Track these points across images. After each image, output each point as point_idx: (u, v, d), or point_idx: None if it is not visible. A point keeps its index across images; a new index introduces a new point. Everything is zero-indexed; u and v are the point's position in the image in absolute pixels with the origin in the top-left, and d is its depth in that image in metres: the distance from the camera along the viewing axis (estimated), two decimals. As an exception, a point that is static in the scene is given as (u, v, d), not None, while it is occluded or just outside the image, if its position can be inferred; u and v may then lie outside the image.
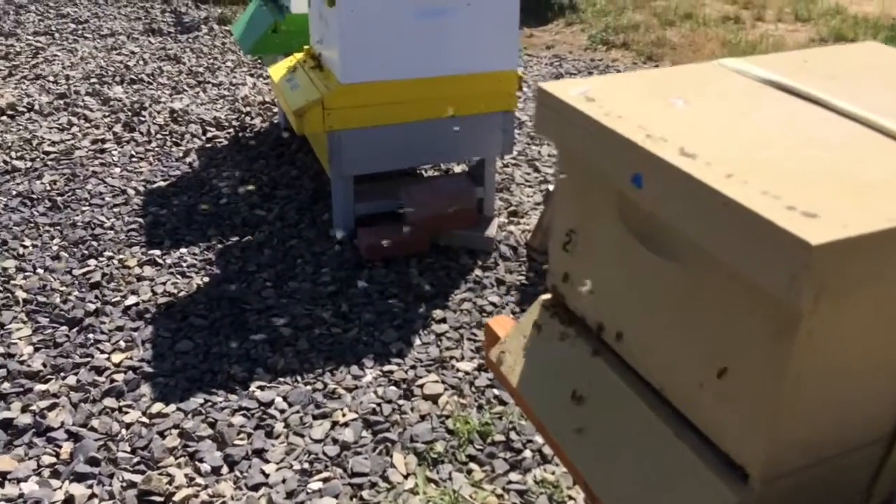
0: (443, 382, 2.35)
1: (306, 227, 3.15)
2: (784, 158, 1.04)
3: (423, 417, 2.22)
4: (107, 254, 2.97)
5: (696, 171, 1.01)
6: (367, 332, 2.56)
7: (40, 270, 2.87)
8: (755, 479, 1.08)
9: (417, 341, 2.53)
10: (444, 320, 2.63)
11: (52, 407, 2.23)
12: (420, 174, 3.54)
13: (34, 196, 3.34)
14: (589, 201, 1.31)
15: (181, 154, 3.76)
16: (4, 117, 4.08)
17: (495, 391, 2.33)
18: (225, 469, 2.05)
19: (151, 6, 6.08)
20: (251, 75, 4.75)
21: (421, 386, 2.34)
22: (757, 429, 1.06)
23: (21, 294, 2.73)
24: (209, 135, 3.95)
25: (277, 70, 3.14)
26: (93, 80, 4.54)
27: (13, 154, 3.70)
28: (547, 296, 1.50)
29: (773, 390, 1.02)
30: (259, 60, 4.89)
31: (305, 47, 3.15)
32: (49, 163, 3.64)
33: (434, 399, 2.29)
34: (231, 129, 4.02)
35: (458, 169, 3.57)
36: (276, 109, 4.19)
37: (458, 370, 2.41)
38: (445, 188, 3.01)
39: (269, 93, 4.46)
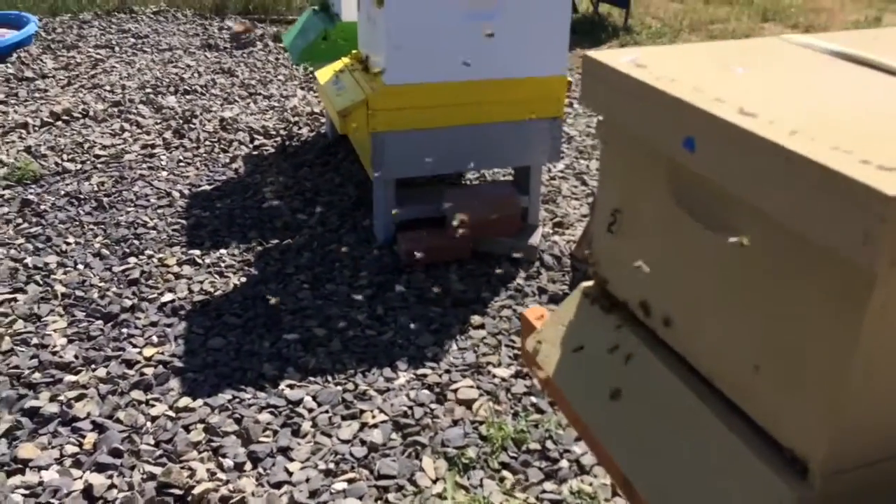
0: (478, 388, 2.25)
1: (347, 232, 3.10)
2: (855, 119, 0.94)
3: (455, 422, 2.12)
4: (147, 252, 2.96)
5: (756, 128, 0.91)
6: (402, 336, 2.48)
7: (81, 266, 2.87)
8: (816, 473, 0.96)
9: (454, 346, 2.44)
10: (482, 326, 2.53)
11: (79, 397, 2.20)
12: (464, 182, 3.48)
13: (81, 196, 3.37)
14: (636, 177, 1.21)
15: (228, 160, 3.77)
16: (60, 122, 4.16)
17: (532, 399, 2.22)
18: (248, 465, 1.97)
19: (210, 23, 6.21)
20: (302, 88, 4.78)
21: (455, 390, 2.24)
22: (819, 416, 0.94)
23: (60, 288, 2.73)
24: (256, 142, 3.96)
25: (324, 73, 3.12)
26: (147, 90, 4.62)
27: (65, 157, 3.75)
28: (588, 283, 1.40)
29: (839, 372, 0.91)
30: (310, 73, 4.92)
31: (353, 51, 3.13)
32: (99, 165, 3.68)
33: (468, 404, 2.19)
34: (278, 138, 4.02)
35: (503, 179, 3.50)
36: (323, 120, 4.19)
37: (494, 376, 2.30)
38: (489, 194, 2.93)
39: (318, 104, 4.46)
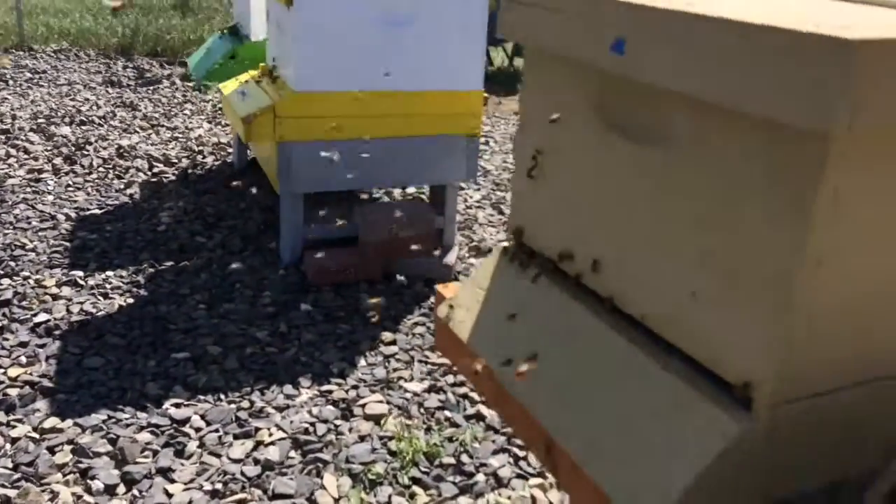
0: (388, 402, 2.06)
1: (250, 254, 2.89)
2: (790, 8, 0.85)
3: (362, 438, 1.92)
4: (23, 274, 2.67)
5: (696, 9, 0.82)
6: (306, 353, 2.27)
7: (-56, 287, 2.55)
8: (761, 402, 0.83)
9: (362, 362, 2.24)
10: (393, 342, 2.35)
11: (-75, 420, 1.89)
12: (377, 199, 3.34)
13: (-47, 218, 3.05)
14: (560, 108, 1.10)
15: (123, 186, 3.51)
16: (-63, 147, 3.82)
17: (447, 413, 2.04)
18: (121, 488, 1.71)
19: (114, 62, 5.96)
20: (209, 121, 4.58)
21: (363, 406, 2.04)
22: (764, 336, 0.82)
23: (-83, 309, 2.41)
24: (156, 170, 3.72)
25: (229, 86, 2.96)
26: (40, 120, 4.33)
27: (-61, 179, 3.42)
28: (505, 243, 1.27)
29: (785, 281, 0.79)
30: (218, 107, 4.74)
31: (262, 65, 2.99)
32: (-23, 189, 3.36)
33: (376, 419, 1.99)
34: (181, 166, 3.79)
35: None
36: (230, 150, 4.00)
37: (405, 391, 2.12)
38: (400, 211, 2.79)
39: (225, 135, 4.27)
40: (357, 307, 2.54)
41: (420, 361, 2.27)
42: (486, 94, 2.81)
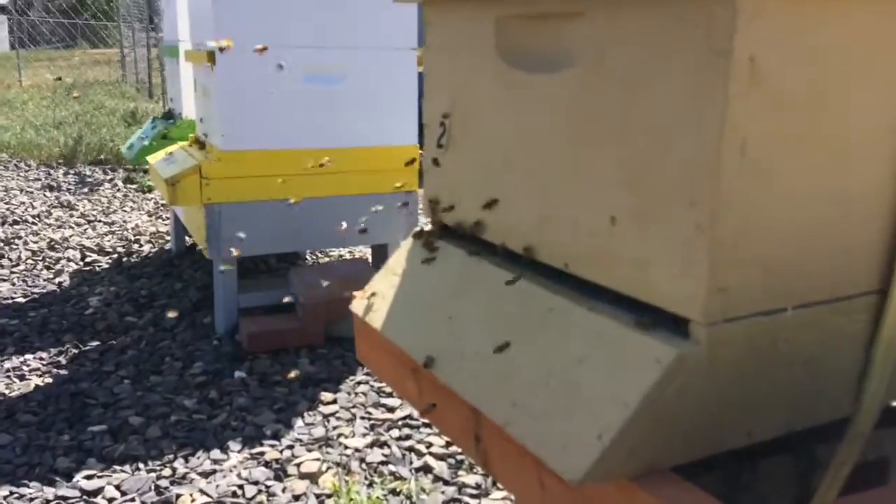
0: (325, 460, 1.88)
1: (183, 329, 2.73)
2: None
3: (296, 498, 1.73)
4: (-68, 362, 2.46)
5: None
6: (237, 417, 2.09)
7: None
8: (698, 322, 0.72)
9: (299, 423, 2.07)
10: (334, 401, 2.18)
11: None
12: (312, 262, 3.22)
13: None
14: (461, 61, 1.03)
15: (52, 276, 3.35)
16: None
17: (391, 466, 1.86)
18: (13, 568, 1.49)
19: (55, 170, 5.88)
20: (150, 215, 4.47)
21: (298, 465, 1.85)
22: (692, 243, 0.71)
23: None
24: (88, 259, 3.57)
25: (157, 156, 2.88)
26: (-30, 222, 4.18)
27: None
28: (417, 228, 1.17)
29: (708, 174, 0.70)
30: (162, 205, 4.66)
31: (190, 135, 2.92)
32: None
33: (313, 478, 1.80)
34: (115, 255, 3.65)
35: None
36: (169, 238, 3.87)
37: (346, 447, 1.94)
38: (340, 271, 2.68)
39: (164, 223, 4.16)
40: (297, 372, 2.37)
41: (363, 418, 2.10)
42: (420, 150, 2.77)
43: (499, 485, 1.75)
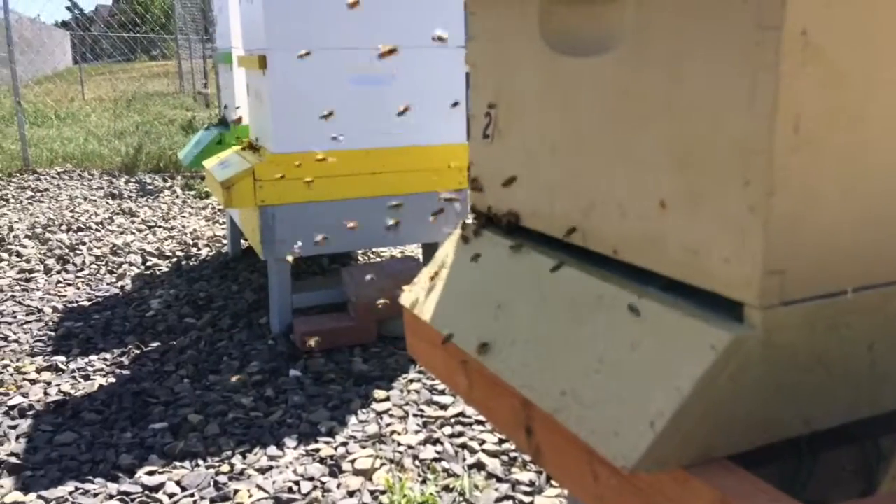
0: (379, 457, 1.89)
1: (240, 330, 2.78)
2: None
3: (351, 493, 1.74)
4: (3, 363, 2.56)
5: None
6: (293, 415, 2.12)
7: (-81, 380, 2.45)
8: (753, 306, 0.70)
9: (353, 420, 2.08)
10: (387, 399, 2.20)
11: None
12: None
13: (-62, 318, 2.98)
14: (505, 49, 1.02)
15: (114, 279, 3.45)
16: (-69, 258, 3.81)
17: (444, 463, 1.86)
18: (80, 559, 1.54)
19: (117, 179, 6.06)
20: (207, 220, 4.58)
21: (352, 461, 1.87)
22: (745, 225, 0.69)
23: None
24: (149, 263, 3.68)
25: (212, 160, 2.94)
26: (37, 229, 4.34)
27: (-71, 286, 3.38)
28: (466, 220, 1.17)
29: (761, 154, 0.67)
30: (218, 209, 4.76)
31: (244, 139, 2.98)
32: (-34, 292, 3.31)
33: (367, 474, 1.82)
34: (174, 259, 3.75)
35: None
36: (225, 241, 3.96)
37: (399, 444, 1.95)
38: (391, 270, 2.69)
39: (221, 227, 4.25)
40: (350, 370, 2.40)
41: (415, 415, 2.11)
42: (470, 148, 2.77)
43: (552, 482, 1.74)
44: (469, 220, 1.13)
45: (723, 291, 0.73)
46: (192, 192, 5.51)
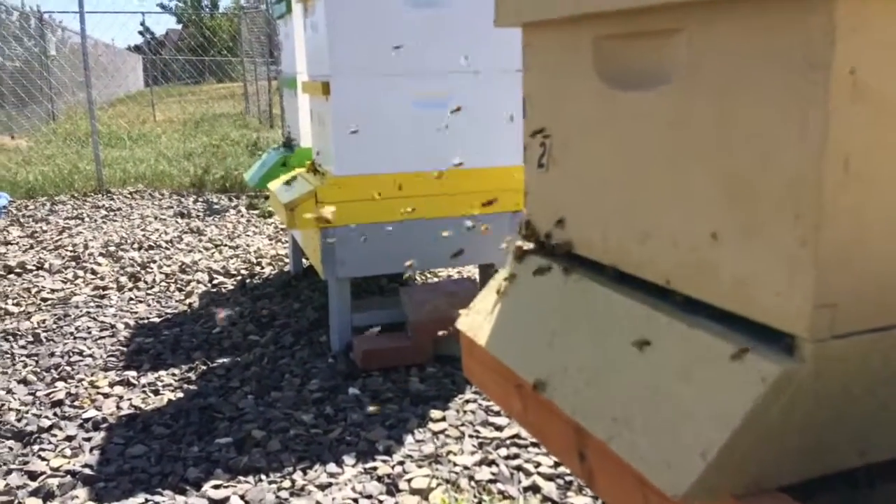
0: (435, 477, 1.91)
1: (301, 348, 2.85)
2: None
3: (408, 512, 1.77)
4: (78, 377, 2.69)
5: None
6: (351, 433, 2.16)
7: (1, 392, 2.58)
8: (805, 339, 0.70)
9: (410, 439, 2.12)
10: (443, 419, 2.23)
11: (-37, 510, 1.85)
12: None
13: (18, 333, 3.14)
14: (560, 81, 1.05)
15: (183, 297, 3.58)
16: (11, 275, 4.01)
17: (500, 485, 1.88)
18: (149, 568, 1.60)
19: (185, 198, 6.28)
20: (270, 238, 4.71)
21: (409, 480, 1.90)
22: (798, 263, 0.70)
23: (-27, 413, 2.43)
24: (216, 281, 3.80)
25: (276, 182, 3.04)
26: (110, 247, 4.53)
27: (10, 302, 3.56)
28: (520, 243, 1.19)
29: (812, 189, 0.69)
30: (281, 229, 4.89)
31: (307, 162, 3.07)
32: (44, 307, 3.48)
33: (423, 494, 1.85)
34: (239, 277, 3.86)
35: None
36: (287, 260, 4.06)
37: (455, 464, 1.97)
38: (448, 290, 2.73)
39: (283, 247, 4.36)
40: (407, 390, 2.44)
41: (471, 436, 2.13)
42: (527, 170, 2.79)
43: (609, 506, 1.73)
44: (525, 246, 1.15)
45: (773, 323, 0.74)
46: (255, 212, 5.67)
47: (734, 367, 0.74)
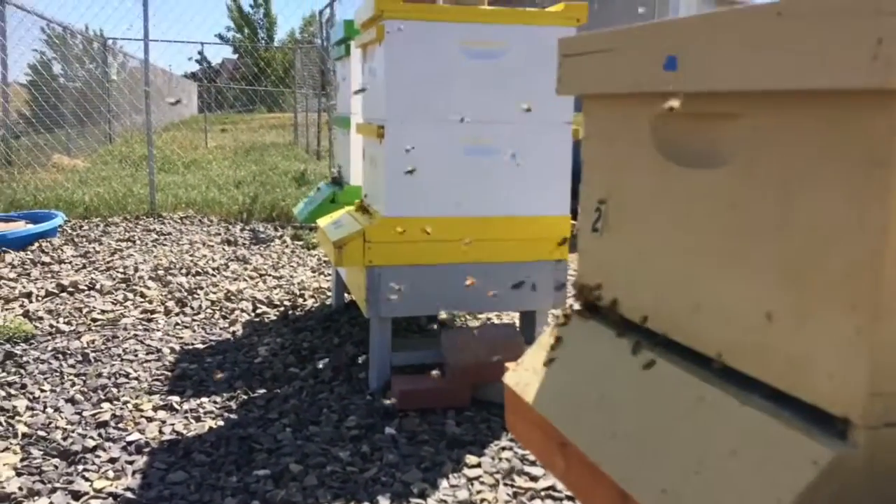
0: (470, 524, 1.92)
1: (340, 383, 2.89)
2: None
3: (441, 558, 1.78)
4: (123, 399, 2.75)
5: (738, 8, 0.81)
6: (387, 473, 2.18)
7: (50, 410, 2.66)
8: (857, 425, 0.72)
9: (444, 483, 2.13)
10: (478, 465, 2.23)
11: (9, 526, 1.91)
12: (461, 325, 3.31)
13: (68, 352, 3.23)
14: (618, 150, 1.08)
15: (227, 325, 3.66)
16: (64, 293, 4.13)
17: (534, 536, 1.88)
18: None
19: (233, 226, 6.42)
20: (313, 271, 4.78)
21: (443, 526, 1.91)
22: (853, 351, 0.72)
23: (22, 429, 2.50)
24: (259, 311, 3.87)
25: (325, 219, 3.10)
26: (159, 271, 4.64)
27: (61, 320, 3.67)
28: (570, 304, 1.22)
29: (871, 276, 0.71)
30: (324, 261, 4.97)
31: (356, 201, 3.14)
32: (94, 328, 3.58)
33: (457, 540, 1.85)
34: (282, 307, 3.93)
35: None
36: (330, 293, 4.12)
37: (490, 512, 1.98)
38: (488, 335, 2.75)
39: (326, 279, 4.43)
40: (443, 433, 2.45)
41: (506, 485, 2.13)
42: (572, 220, 2.82)
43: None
44: (575, 307, 1.18)
45: (826, 407, 0.75)
46: (300, 243, 5.76)
47: (784, 447, 0.75)
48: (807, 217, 0.76)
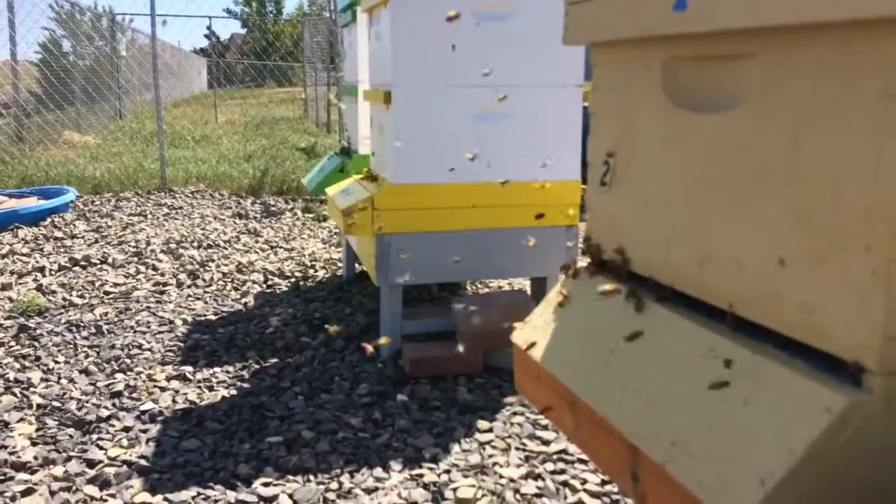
0: (481, 488, 1.92)
1: (351, 352, 2.89)
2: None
3: (453, 521, 1.78)
4: (137, 369, 2.77)
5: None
6: (399, 439, 2.18)
7: (64, 381, 2.68)
8: (873, 371, 0.70)
9: (456, 448, 2.13)
10: (490, 430, 2.23)
11: (27, 492, 1.93)
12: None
13: (82, 324, 3.25)
14: (627, 100, 1.05)
15: (238, 296, 3.66)
16: (77, 267, 4.15)
17: (545, 500, 1.87)
18: (199, 560, 1.64)
19: (244, 200, 6.42)
20: (324, 242, 4.78)
21: (455, 489, 1.91)
22: (869, 294, 0.70)
23: (37, 399, 2.52)
24: (270, 282, 3.87)
25: (334, 188, 3.09)
26: (171, 245, 4.65)
27: (74, 293, 3.69)
28: (579, 261, 1.20)
29: (888, 224, 0.68)
30: (335, 233, 4.96)
31: (364, 170, 3.11)
32: (106, 300, 3.59)
33: (468, 503, 1.85)
34: (293, 279, 3.93)
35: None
36: (340, 263, 4.12)
37: (501, 476, 1.97)
38: (500, 302, 2.73)
39: (336, 251, 4.42)
40: (455, 399, 2.45)
41: (518, 448, 2.13)
42: (583, 186, 2.78)
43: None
44: (584, 263, 1.16)
45: (841, 354, 0.73)
46: (311, 215, 5.75)
47: (798, 396, 0.73)
48: (820, 157, 0.73)
